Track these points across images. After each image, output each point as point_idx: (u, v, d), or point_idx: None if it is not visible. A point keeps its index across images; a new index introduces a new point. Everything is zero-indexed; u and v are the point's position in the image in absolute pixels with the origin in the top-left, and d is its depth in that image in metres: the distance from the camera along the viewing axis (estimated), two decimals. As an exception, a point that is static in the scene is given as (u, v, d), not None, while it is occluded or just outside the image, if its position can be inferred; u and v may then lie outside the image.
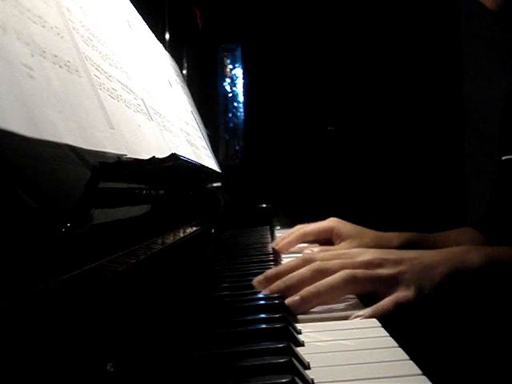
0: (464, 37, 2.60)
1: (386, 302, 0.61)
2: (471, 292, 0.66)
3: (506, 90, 1.12)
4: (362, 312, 0.59)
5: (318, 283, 0.62)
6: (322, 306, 0.62)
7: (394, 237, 1.01)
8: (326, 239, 1.07)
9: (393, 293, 0.62)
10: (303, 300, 0.60)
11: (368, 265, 0.65)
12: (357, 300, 0.64)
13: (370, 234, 1.04)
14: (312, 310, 0.61)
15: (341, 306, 0.63)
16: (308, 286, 0.62)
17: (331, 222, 1.07)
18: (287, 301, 0.60)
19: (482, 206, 1.16)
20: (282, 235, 1.14)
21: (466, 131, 2.59)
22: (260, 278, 0.69)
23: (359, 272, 0.63)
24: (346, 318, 0.59)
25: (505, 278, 0.67)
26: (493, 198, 1.11)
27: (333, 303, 0.63)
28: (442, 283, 0.64)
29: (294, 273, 0.65)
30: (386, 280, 0.63)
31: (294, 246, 1.08)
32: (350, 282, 0.62)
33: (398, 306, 0.61)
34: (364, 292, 0.64)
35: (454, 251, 0.70)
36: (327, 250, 0.91)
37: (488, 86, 2.44)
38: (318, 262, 0.66)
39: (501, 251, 0.70)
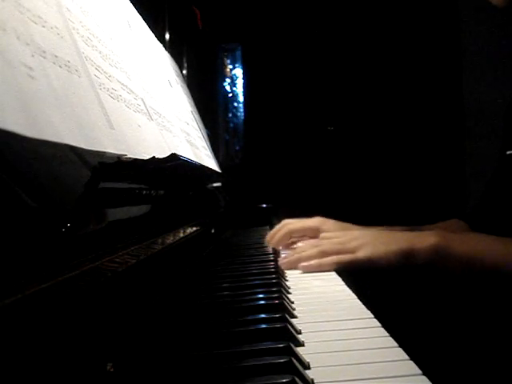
0: (464, 36, 2.60)
1: (345, 255, 0.86)
2: (418, 268, 0.83)
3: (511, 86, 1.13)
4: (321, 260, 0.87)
5: (301, 254, 0.89)
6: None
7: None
8: (313, 237, 1.09)
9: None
10: (290, 263, 0.89)
11: (340, 242, 0.90)
12: (357, 300, 0.65)
13: (354, 229, 1.06)
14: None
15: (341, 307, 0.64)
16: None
17: (317, 222, 1.10)
18: (280, 261, 0.90)
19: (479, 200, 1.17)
20: (270, 232, 1.15)
21: (466, 129, 2.59)
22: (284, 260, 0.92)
23: (329, 246, 0.89)
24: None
25: (450, 260, 0.82)
26: (488, 190, 1.12)
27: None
28: (395, 255, 0.83)
29: (306, 254, 0.90)
30: (350, 249, 0.86)
31: (284, 243, 1.14)
32: (321, 253, 0.88)
33: (353, 260, 0.84)
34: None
35: (417, 234, 0.88)
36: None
37: (488, 84, 2.44)
38: (320, 248, 0.90)
39: (457, 236, 0.86)
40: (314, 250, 0.89)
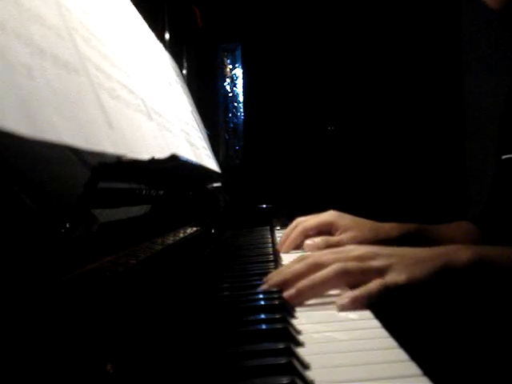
0: (464, 36, 2.60)
1: (374, 283, 0.63)
2: (460, 287, 0.68)
3: (507, 88, 1.12)
4: (347, 293, 0.62)
5: (312, 276, 0.65)
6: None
7: (393, 227, 1.03)
8: (326, 232, 1.08)
9: (383, 278, 0.65)
10: (298, 291, 0.64)
11: (360, 258, 0.67)
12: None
13: (368, 224, 1.05)
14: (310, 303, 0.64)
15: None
16: (331, 288, 0.66)
17: (330, 216, 1.09)
18: (284, 294, 0.63)
19: (482, 202, 1.16)
20: (283, 233, 1.14)
21: (467, 130, 2.59)
22: (264, 286, 0.70)
23: (350, 264, 0.66)
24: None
25: (493, 277, 0.69)
26: (491, 195, 1.11)
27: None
28: (432, 275, 0.66)
29: (291, 268, 0.68)
30: (377, 270, 0.65)
31: (298, 242, 1.09)
32: (342, 273, 0.65)
33: (385, 288, 0.63)
34: (356, 283, 0.65)
35: (446, 248, 0.72)
36: (328, 241, 0.99)
37: (488, 84, 2.44)
38: (312, 258, 0.69)
39: (489, 250, 0.72)
40: (331, 271, 0.66)
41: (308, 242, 1.01)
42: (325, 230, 1.08)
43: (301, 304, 0.63)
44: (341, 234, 1.04)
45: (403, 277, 0.65)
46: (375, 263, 0.67)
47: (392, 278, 0.65)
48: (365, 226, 1.04)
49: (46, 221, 0.37)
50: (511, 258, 0.71)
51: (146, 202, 0.69)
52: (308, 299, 0.64)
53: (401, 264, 0.66)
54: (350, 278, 0.66)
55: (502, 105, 1.12)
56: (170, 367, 0.42)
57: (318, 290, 0.65)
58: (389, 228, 1.03)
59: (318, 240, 1.00)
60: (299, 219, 1.13)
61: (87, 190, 0.42)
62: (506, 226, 1.00)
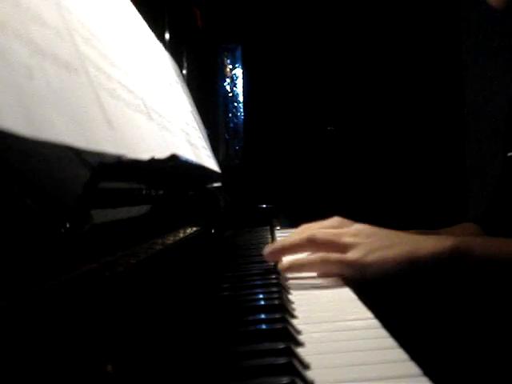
0: (465, 35, 2.60)
1: (333, 254, 0.73)
2: (423, 276, 0.71)
3: None
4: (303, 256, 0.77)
5: (302, 259, 0.77)
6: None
7: None
8: None
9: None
10: (290, 268, 0.77)
11: (339, 234, 0.77)
12: (358, 301, 0.65)
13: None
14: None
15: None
16: (298, 251, 0.80)
17: (334, 222, 1.08)
18: (279, 265, 0.77)
19: (483, 203, 1.16)
20: (282, 236, 1.15)
21: (467, 129, 2.59)
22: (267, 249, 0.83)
23: (320, 234, 0.78)
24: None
25: (471, 267, 0.71)
26: (496, 193, 1.11)
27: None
28: (395, 262, 0.70)
29: (291, 239, 0.81)
30: (342, 245, 0.74)
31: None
32: (309, 241, 0.78)
33: (339, 260, 0.72)
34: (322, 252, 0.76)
35: (422, 237, 0.76)
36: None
37: (489, 84, 2.44)
38: (308, 233, 0.80)
39: (478, 243, 0.73)
40: (300, 237, 0.78)
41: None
42: None
43: (288, 273, 0.77)
44: None
45: (361, 256, 0.71)
46: (344, 239, 0.75)
47: (352, 254, 0.72)
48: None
49: (46, 221, 0.37)
50: (495, 246, 0.72)
51: (146, 201, 0.69)
52: (279, 258, 0.79)
53: (366, 245, 0.73)
54: (315, 246, 0.77)
55: (506, 103, 1.12)
56: (170, 367, 0.42)
57: (287, 252, 0.80)
58: None
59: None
60: (305, 226, 1.12)
61: (87, 189, 0.42)
62: (510, 225, 1.00)
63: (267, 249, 0.81)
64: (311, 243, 0.77)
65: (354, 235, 0.76)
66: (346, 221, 1.08)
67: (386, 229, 0.78)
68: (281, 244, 0.80)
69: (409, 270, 0.70)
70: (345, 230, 0.79)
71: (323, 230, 0.80)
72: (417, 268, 0.70)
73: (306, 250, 0.79)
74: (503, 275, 0.70)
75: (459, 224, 1.12)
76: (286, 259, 0.79)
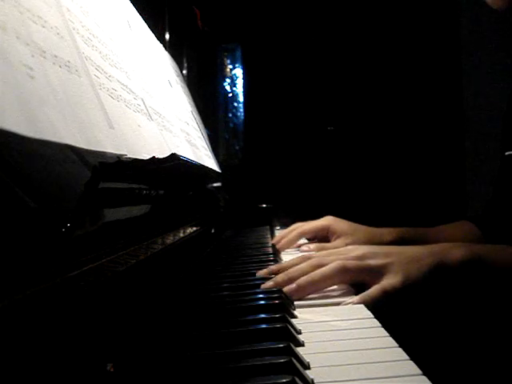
0: (464, 36, 2.60)
1: (374, 288, 0.66)
2: (454, 284, 0.70)
3: None
4: (350, 299, 0.64)
5: (312, 273, 0.68)
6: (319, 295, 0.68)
7: (386, 232, 1.05)
8: (322, 236, 1.12)
9: (380, 281, 0.67)
10: (299, 286, 0.67)
11: (360, 257, 0.71)
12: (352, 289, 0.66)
13: (363, 230, 1.08)
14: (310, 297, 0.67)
15: (336, 293, 0.69)
16: (329, 285, 0.70)
17: (327, 221, 1.12)
18: (285, 288, 0.66)
19: (481, 203, 1.16)
20: (280, 233, 1.18)
21: (466, 129, 2.59)
22: (264, 271, 0.77)
23: (350, 262, 0.69)
24: (338, 304, 0.64)
25: (486, 274, 0.71)
26: (494, 192, 1.11)
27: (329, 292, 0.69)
28: (427, 273, 0.68)
29: (295, 267, 0.71)
30: (374, 269, 0.69)
31: (294, 245, 1.13)
32: (341, 271, 0.69)
33: (385, 292, 0.66)
34: (354, 281, 0.70)
35: (440, 246, 0.74)
36: (323, 247, 1.02)
37: (487, 84, 2.44)
38: (316, 258, 0.73)
39: (484, 248, 0.74)
40: (331, 268, 0.68)
41: (304, 248, 1.06)
42: (321, 234, 1.12)
43: (300, 298, 0.67)
44: (336, 239, 1.07)
45: (399, 277, 0.68)
46: (373, 262, 0.70)
47: (389, 280, 0.68)
48: (360, 230, 1.08)
49: (47, 220, 0.38)
50: (504, 255, 0.72)
51: (146, 201, 0.69)
52: (307, 294, 0.68)
53: (397, 263, 0.69)
54: (348, 275, 0.69)
55: (504, 102, 1.12)
56: (170, 366, 0.42)
57: (317, 286, 0.68)
58: (384, 233, 1.06)
59: (312, 246, 1.04)
60: (298, 224, 1.16)
61: (88, 189, 0.43)
62: (507, 225, 1.00)
63: (289, 288, 0.68)
64: (343, 273, 0.69)
65: (379, 255, 0.71)
66: (337, 219, 1.11)
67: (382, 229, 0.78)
68: (310, 279, 0.68)
69: (438, 278, 0.69)
70: (365, 251, 0.72)
71: (349, 256, 0.72)
72: (446, 276, 0.69)
73: (337, 283, 0.71)
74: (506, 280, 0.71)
75: (455, 222, 1.13)
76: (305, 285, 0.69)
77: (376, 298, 0.65)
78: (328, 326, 0.55)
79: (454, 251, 0.71)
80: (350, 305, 0.64)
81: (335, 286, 0.70)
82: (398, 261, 0.69)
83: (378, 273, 0.68)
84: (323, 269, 0.68)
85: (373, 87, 2.61)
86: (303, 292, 0.67)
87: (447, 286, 0.70)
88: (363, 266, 0.69)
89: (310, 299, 0.67)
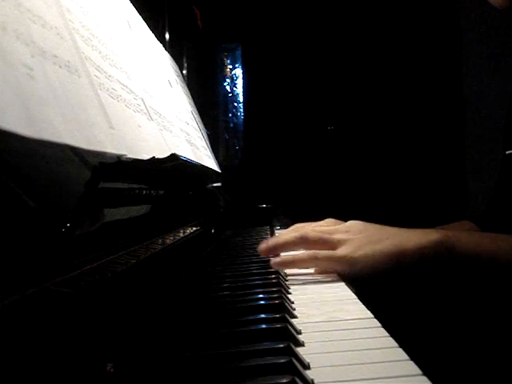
0: (464, 35, 2.60)
1: (323, 251, 0.75)
2: (409, 269, 0.72)
3: None
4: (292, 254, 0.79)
5: (294, 256, 0.79)
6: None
7: None
8: None
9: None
10: (282, 263, 0.80)
11: (330, 231, 0.80)
12: (357, 300, 0.65)
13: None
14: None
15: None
16: (291, 248, 0.83)
17: (328, 224, 1.09)
18: (272, 261, 0.79)
19: (482, 202, 1.16)
20: (280, 233, 1.16)
21: (466, 128, 2.59)
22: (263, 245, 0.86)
23: (312, 233, 0.80)
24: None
25: (456, 261, 0.72)
26: (495, 191, 1.11)
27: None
28: (383, 255, 0.72)
29: (285, 237, 0.84)
30: (332, 242, 0.77)
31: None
32: (301, 239, 0.80)
33: (330, 257, 0.75)
34: (312, 248, 0.79)
35: (410, 230, 0.77)
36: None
37: (488, 83, 2.44)
38: (301, 232, 0.82)
39: (462, 237, 0.75)
40: (292, 235, 0.82)
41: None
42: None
43: (280, 268, 0.79)
44: None
45: (350, 252, 0.73)
46: (335, 236, 0.77)
47: (341, 251, 0.75)
48: None
49: (47, 220, 0.38)
50: (480, 240, 0.74)
51: (146, 201, 0.69)
52: (274, 251, 0.83)
53: (355, 240, 0.75)
54: (307, 244, 0.80)
55: (506, 101, 1.12)
56: (171, 366, 0.42)
57: (280, 249, 0.83)
58: None
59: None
60: (298, 225, 1.13)
61: (88, 189, 0.43)
62: (508, 224, 0.99)
63: (262, 245, 0.85)
64: (303, 241, 0.80)
65: (345, 232, 0.78)
66: (338, 222, 1.09)
67: (377, 224, 0.80)
68: (275, 241, 0.84)
69: (396, 263, 0.72)
70: (336, 227, 0.82)
71: (316, 229, 0.84)
72: (403, 261, 0.72)
73: (298, 248, 0.82)
74: (484, 271, 0.72)
75: (456, 222, 1.12)
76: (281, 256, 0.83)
77: (320, 261, 0.75)
78: (328, 326, 0.55)
79: (424, 235, 0.73)
80: (348, 303, 0.64)
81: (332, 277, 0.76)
82: (358, 239, 0.75)
83: (334, 245, 0.76)
84: (300, 254, 0.79)
85: (373, 87, 2.61)
86: (284, 267, 0.80)
87: (406, 271, 0.72)
88: (324, 238, 0.78)
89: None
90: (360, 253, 0.73)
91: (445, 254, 0.72)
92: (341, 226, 0.82)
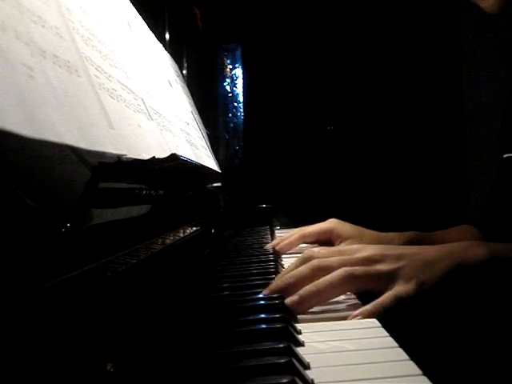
0: (464, 36, 2.60)
1: (386, 296, 0.59)
2: (474, 287, 0.64)
3: (510, 88, 1.11)
4: (360, 310, 0.58)
5: (316, 282, 0.61)
6: (323, 307, 0.61)
7: (395, 237, 1.00)
8: (326, 240, 1.07)
9: (392, 288, 0.60)
10: (302, 299, 0.59)
11: (367, 260, 0.63)
12: (357, 301, 0.64)
13: (370, 234, 1.03)
14: (313, 311, 0.60)
15: (342, 306, 0.63)
16: (307, 284, 0.61)
17: (331, 224, 1.07)
18: (287, 300, 0.59)
19: (482, 204, 1.16)
20: (282, 235, 1.15)
21: (467, 130, 2.59)
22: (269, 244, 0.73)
23: (358, 269, 0.62)
24: (346, 318, 0.58)
25: (508, 274, 0.65)
26: (493, 195, 1.11)
27: (333, 304, 0.63)
28: (444, 278, 0.62)
29: (294, 271, 0.64)
30: (386, 275, 0.61)
31: (295, 247, 1.09)
32: (349, 279, 0.61)
33: (398, 300, 0.59)
34: (363, 289, 0.63)
35: (457, 246, 0.67)
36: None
37: (488, 84, 2.44)
38: (316, 260, 0.65)
39: (504, 247, 0.67)
40: (336, 277, 0.61)
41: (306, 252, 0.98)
42: (324, 238, 1.07)
43: (304, 312, 0.59)
44: (341, 242, 1.02)
45: (413, 283, 0.61)
46: (383, 267, 0.62)
47: (402, 287, 0.60)
48: (366, 235, 1.03)
49: (47, 220, 0.38)
50: None
51: (146, 201, 0.69)
52: (312, 306, 0.60)
53: (410, 267, 0.62)
54: (356, 283, 0.62)
55: (503, 104, 1.12)
56: (171, 366, 0.42)
57: (322, 297, 0.61)
58: (391, 237, 1.01)
59: (316, 250, 0.98)
60: (300, 229, 1.11)
61: (88, 189, 0.43)
62: (508, 227, 0.99)
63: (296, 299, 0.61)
64: (350, 283, 0.62)
65: (390, 259, 0.64)
66: (342, 222, 1.07)
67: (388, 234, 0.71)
68: (315, 288, 0.61)
69: (457, 281, 0.63)
70: (373, 253, 0.65)
71: (357, 268, 0.63)
72: (465, 278, 0.63)
73: (343, 292, 0.64)
74: None
75: (457, 226, 1.11)
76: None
77: (389, 307, 0.58)
78: (328, 326, 0.55)
79: (474, 250, 0.64)
80: (348, 303, 0.63)
81: (342, 297, 0.63)
82: (410, 264, 0.62)
83: (389, 279, 0.61)
84: (328, 277, 0.61)
85: (373, 88, 2.61)
86: (307, 304, 0.59)
87: (467, 289, 0.64)
88: (373, 272, 0.62)
89: (313, 313, 0.60)
90: (419, 280, 0.61)
91: (497, 267, 0.64)
92: (378, 250, 0.65)
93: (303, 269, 0.63)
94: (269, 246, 1.08)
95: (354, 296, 0.65)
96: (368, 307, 0.58)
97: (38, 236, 0.36)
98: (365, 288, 0.62)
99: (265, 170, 2.57)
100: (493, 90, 2.35)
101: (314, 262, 0.64)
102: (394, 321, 0.58)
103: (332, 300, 0.62)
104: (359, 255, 0.65)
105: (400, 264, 0.62)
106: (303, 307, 0.59)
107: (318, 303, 0.61)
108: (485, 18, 2.35)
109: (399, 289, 0.60)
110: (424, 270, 0.61)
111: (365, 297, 0.64)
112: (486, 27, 2.43)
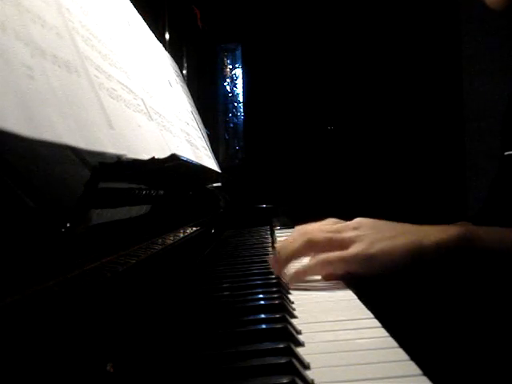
0: (464, 35, 2.60)
1: (333, 254, 0.70)
2: (435, 267, 0.68)
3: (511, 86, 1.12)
4: (301, 266, 0.73)
5: (306, 266, 0.73)
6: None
7: None
8: None
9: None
10: (297, 276, 0.73)
11: (338, 230, 0.74)
12: (357, 300, 0.65)
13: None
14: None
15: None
16: (298, 257, 0.76)
17: (329, 224, 1.07)
18: (283, 278, 0.72)
19: (482, 202, 1.16)
20: (282, 236, 1.15)
21: (466, 129, 2.59)
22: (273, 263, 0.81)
23: (318, 235, 0.74)
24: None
25: (479, 254, 0.68)
26: (492, 192, 1.11)
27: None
28: (399, 252, 0.67)
29: (290, 247, 0.76)
30: (342, 241, 0.71)
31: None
32: (308, 244, 0.74)
33: (342, 258, 0.69)
34: (323, 251, 0.73)
35: (426, 227, 0.72)
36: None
37: (488, 83, 2.44)
38: (308, 237, 0.75)
39: (485, 230, 0.70)
40: (299, 241, 0.74)
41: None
42: None
43: (293, 283, 0.72)
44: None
45: (365, 248, 0.68)
46: (345, 235, 0.71)
47: (352, 249, 0.69)
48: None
49: (47, 220, 0.37)
50: (501, 234, 0.69)
51: (146, 201, 0.69)
52: (286, 265, 0.75)
53: (368, 236, 0.69)
54: (316, 248, 0.73)
55: (504, 102, 1.11)
56: (170, 367, 0.42)
57: (290, 260, 0.75)
58: None
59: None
60: (300, 227, 1.10)
61: (87, 189, 0.43)
62: (507, 224, 0.99)
63: (272, 263, 0.78)
64: (312, 245, 0.74)
65: (354, 229, 0.72)
66: (340, 221, 1.07)
67: (386, 220, 0.76)
68: (283, 254, 0.75)
69: (414, 259, 0.67)
70: (344, 224, 0.76)
71: (322, 228, 0.77)
72: (423, 258, 0.67)
73: (308, 254, 0.76)
74: (508, 263, 0.68)
75: (455, 223, 1.11)
76: (290, 270, 0.75)
77: (334, 263, 0.69)
78: (328, 326, 0.55)
79: (444, 230, 0.68)
80: (348, 303, 0.63)
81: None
82: (370, 235, 0.69)
83: (345, 244, 0.70)
84: (292, 244, 0.74)
85: (373, 87, 2.61)
86: (297, 279, 0.72)
87: (426, 268, 0.67)
88: (333, 237, 0.72)
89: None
90: (376, 248, 0.68)
91: (466, 249, 0.67)
92: (349, 222, 0.75)
93: (296, 245, 0.75)
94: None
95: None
96: (311, 262, 0.73)
97: (38, 236, 0.36)
98: (324, 251, 0.72)
99: (265, 170, 2.57)
100: (493, 88, 2.35)
101: (305, 239, 0.75)
102: (393, 321, 0.58)
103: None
104: (335, 226, 0.76)
105: (361, 233, 0.71)
106: (295, 282, 0.73)
107: (288, 262, 0.75)
108: (485, 18, 2.36)
109: (349, 250, 0.70)
110: (381, 241, 0.69)
111: (364, 295, 0.67)
112: (487, 26, 2.43)
